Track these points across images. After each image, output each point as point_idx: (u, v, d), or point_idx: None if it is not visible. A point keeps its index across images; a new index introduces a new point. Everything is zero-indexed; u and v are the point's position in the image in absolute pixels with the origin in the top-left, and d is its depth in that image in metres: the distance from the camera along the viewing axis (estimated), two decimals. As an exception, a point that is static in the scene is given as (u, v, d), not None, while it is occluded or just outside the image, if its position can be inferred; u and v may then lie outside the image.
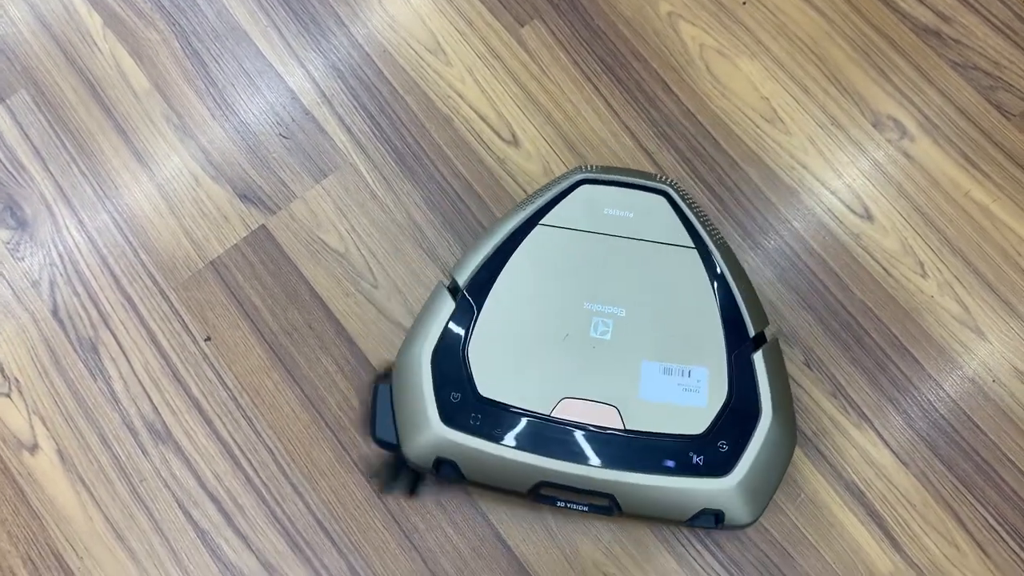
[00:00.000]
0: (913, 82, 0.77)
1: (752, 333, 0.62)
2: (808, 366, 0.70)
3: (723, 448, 0.59)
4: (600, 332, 0.63)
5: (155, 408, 0.70)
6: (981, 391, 0.69)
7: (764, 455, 0.59)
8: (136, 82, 0.80)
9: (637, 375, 0.61)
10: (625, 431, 0.60)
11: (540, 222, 0.66)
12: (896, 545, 0.65)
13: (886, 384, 0.69)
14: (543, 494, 0.60)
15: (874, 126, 0.76)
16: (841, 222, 0.74)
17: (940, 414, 0.69)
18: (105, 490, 0.68)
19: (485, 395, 0.61)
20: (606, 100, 0.78)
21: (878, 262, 0.73)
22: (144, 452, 0.69)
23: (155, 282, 0.74)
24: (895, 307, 0.71)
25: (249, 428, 0.70)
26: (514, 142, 0.77)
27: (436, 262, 0.74)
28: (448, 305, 0.63)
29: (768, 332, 0.63)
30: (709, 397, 0.60)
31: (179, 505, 0.68)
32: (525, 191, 0.75)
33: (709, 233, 0.65)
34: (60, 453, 0.69)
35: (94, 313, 0.73)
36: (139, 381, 0.71)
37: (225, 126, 0.78)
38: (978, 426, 0.68)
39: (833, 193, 0.75)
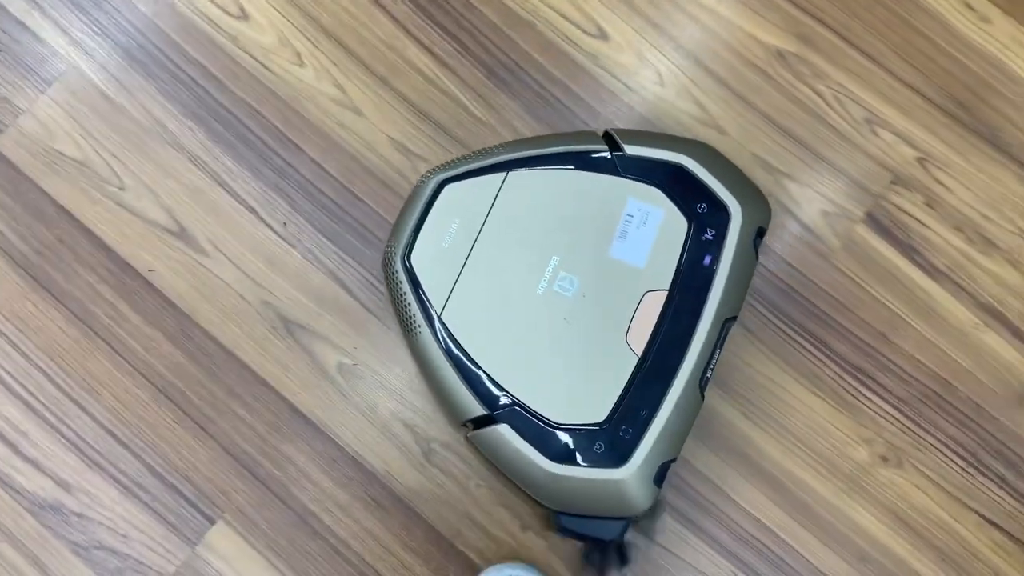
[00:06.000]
0: None
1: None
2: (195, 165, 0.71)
3: None
4: (568, 292, 0.64)
5: (-88, 354, 0.67)
6: (361, 166, 0.71)
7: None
8: None
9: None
10: None
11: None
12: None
13: (270, 174, 0.71)
14: None
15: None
16: (218, 25, 0.73)
17: (324, 193, 0.71)
18: None
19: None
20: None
21: (256, 59, 0.73)
22: (-90, 400, 0.66)
23: None
24: (274, 99, 0.72)
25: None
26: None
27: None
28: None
29: None
30: None
31: (-42, 444, 0.66)
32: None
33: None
34: None
35: None
36: None
37: (-69, 49, 0.73)
38: (359, 197, 0.71)
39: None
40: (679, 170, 0.65)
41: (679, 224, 0.64)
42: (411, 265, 0.63)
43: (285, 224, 0.71)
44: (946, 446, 0.69)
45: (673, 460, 0.62)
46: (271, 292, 0.69)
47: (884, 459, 0.69)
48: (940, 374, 0.70)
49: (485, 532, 0.67)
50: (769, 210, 0.66)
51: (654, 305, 0.63)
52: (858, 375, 0.70)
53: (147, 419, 0.67)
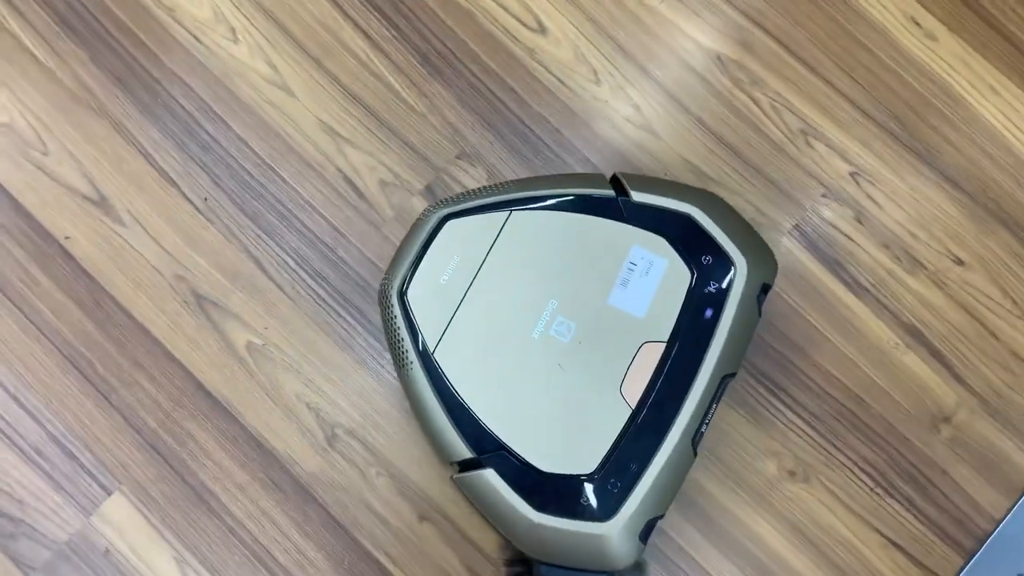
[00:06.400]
0: None
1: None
2: (120, 135, 0.71)
3: None
4: (564, 338, 0.62)
5: None
6: (287, 146, 0.71)
7: None
8: None
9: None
10: None
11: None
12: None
13: (195, 148, 0.71)
14: None
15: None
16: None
17: (247, 171, 0.71)
18: None
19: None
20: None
21: (190, 32, 0.72)
22: None
23: None
24: (205, 74, 0.72)
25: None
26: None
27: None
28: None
29: None
30: None
31: None
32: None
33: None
34: None
35: None
36: None
37: None
38: (283, 178, 0.70)
39: None
40: (686, 220, 0.63)
41: (682, 275, 0.62)
42: (407, 299, 0.62)
43: (206, 199, 0.70)
44: (856, 464, 0.68)
45: (660, 516, 0.61)
46: (186, 267, 0.69)
47: (792, 474, 0.68)
48: (855, 391, 0.69)
49: (383, 521, 0.67)
50: (776, 266, 0.65)
51: (651, 356, 0.61)
52: (771, 387, 0.69)
53: (52, 386, 0.67)
